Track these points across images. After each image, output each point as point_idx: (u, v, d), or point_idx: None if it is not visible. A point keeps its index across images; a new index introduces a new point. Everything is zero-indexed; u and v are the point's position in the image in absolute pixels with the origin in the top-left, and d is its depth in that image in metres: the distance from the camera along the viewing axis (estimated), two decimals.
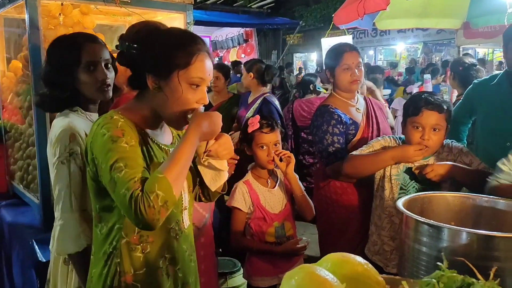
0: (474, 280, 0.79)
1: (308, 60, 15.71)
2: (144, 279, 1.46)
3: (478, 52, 12.30)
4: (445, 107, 2.10)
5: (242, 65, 4.37)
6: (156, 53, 1.39)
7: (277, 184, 2.49)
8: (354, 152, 2.32)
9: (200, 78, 1.40)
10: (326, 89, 5.07)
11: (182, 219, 1.55)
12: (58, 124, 1.81)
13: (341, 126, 2.58)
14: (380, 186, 2.29)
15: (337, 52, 2.68)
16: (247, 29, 10.33)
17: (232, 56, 10.86)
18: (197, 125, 1.37)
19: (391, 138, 2.34)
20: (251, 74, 4.21)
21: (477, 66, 4.00)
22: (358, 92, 2.81)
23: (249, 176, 2.44)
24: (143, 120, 1.46)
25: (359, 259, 0.92)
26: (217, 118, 1.42)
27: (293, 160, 2.43)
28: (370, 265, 0.91)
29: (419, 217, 1.14)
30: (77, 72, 1.81)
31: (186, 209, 1.57)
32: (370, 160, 2.24)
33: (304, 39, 15.22)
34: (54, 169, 1.75)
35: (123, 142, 1.31)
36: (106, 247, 1.45)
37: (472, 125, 2.84)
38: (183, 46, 1.39)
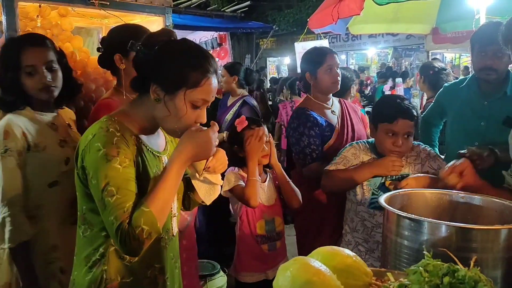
0: (458, 267, 0.84)
1: (281, 64, 15.85)
2: (130, 287, 1.45)
3: (446, 57, 12.69)
4: (415, 114, 2.17)
5: (224, 68, 4.39)
6: (169, 66, 1.37)
7: (267, 180, 2.56)
8: (330, 167, 2.33)
9: (204, 100, 1.40)
10: None
11: (171, 227, 1.57)
12: None
13: (317, 128, 2.65)
14: (352, 190, 2.33)
15: (318, 53, 2.76)
16: (221, 33, 10.34)
17: None
18: (180, 153, 1.38)
19: (360, 143, 2.38)
20: (235, 77, 4.25)
21: (447, 70, 4.16)
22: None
23: (240, 172, 2.50)
24: (139, 126, 1.46)
25: (348, 251, 0.96)
26: (206, 137, 1.40)
27: (274, 150, 2.54)
28: (358, 257, 0.96)
29: (401, 212, 1.19)
30: (20, 76, 1.89)
31: (175, 216, 1.59)
32: (349, 177, 2.25)
33: (277, 43, 15.36)
34: None
35: (117, 162, 1.31)
36: (89, 251, 1.44)
37: (443, 127, 2.95)
38: (197, 66, 1.38)
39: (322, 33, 4.97)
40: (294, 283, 0.80)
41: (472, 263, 0.88)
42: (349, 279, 0.88)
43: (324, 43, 4.70)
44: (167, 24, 2.75)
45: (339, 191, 2.44)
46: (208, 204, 1.65)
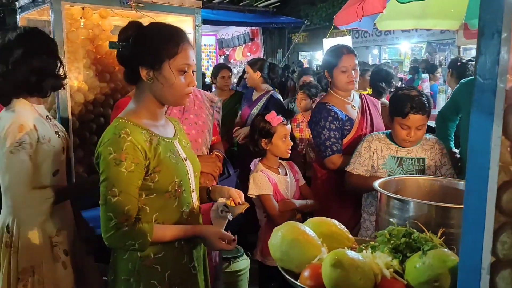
0: (414, 230, 1.01)
1: (313, 58, 15.84)
2: (163, 260, 1.67)
3: None
4: (427, 107, 2.30)
5: (247, 64, 4.58)
6: (147, 47, 1.60)
7: (288, 173, 2.73)
8: (349, 168, 2.53)
9: (186, 64, 1.62)
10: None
11: (192, 201, 1.76)
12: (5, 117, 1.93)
13: (337, 122, 2.79)
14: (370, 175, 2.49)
15: (335, 54, 2.87)
16: (253, 28, 10.50)
17: (238, 54, 11.04)
18: (203, 232, 1.69)
19: (374, 134, 2.56)
20: (258, 73, 4.42)
21: (474, 61, 4.18)
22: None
23: (261, 167, 2.66)
24: (147, 116, 1.66)
25: (334, 221, 1.14)
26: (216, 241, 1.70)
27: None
28: (343, 226, 1.14)
29: (390, 193, 1.36)
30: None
31: (194, 191, 1.78)
32: (363, 184, 2.43)
33: (309, 38, 15.34)
34: (3, 158, 1.89)
35: (124, 167, 1.52)
36: None
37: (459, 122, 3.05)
38: (170, 38, 1.61)
39: (352, 29, 5.05)
40: (283, 240, 0.99)
41: (439, 233, 1.05)
42: (333, 243, 1.07)
43: (347, 40, 4.78)
44: (197, 24, 2.96)
45: (360, 193, 2.63)
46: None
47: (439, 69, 6.78)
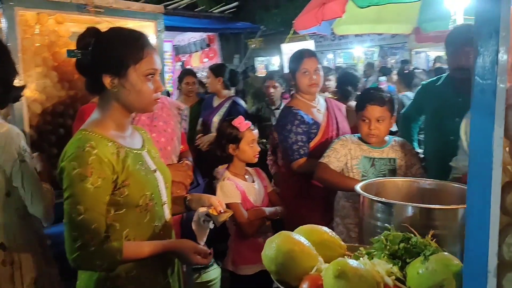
0: (412, 235, 1.00)
1: (270, 63, 15.99)
2: (136, 279, 1.57)
3: (429, 55, 12.93)
4: (386, 99, 2.39)
5: (209, 69, 4.53)
6: (109, 54, 1.51)
7: (255, 179, 2.69)
8: (323, 160, 2.49)
9: (153, 69, 1.55)
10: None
11: (164, 214, 1.68)
12: None
13: (304, 126, 2.80)
14: None
15: (297, 57, 2.91)
16: (210, 33, 10.45)
17: (194, 60, 10.94)
18: (177, 246, 1.61)
19: (347, 136, 2.58)
20: (220, 78, 4.37)
21: (419, 69, 4.43)
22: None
23: (228, 175, 2.60)
24: (113, 127, 1.57)
25: (325, 229, 1.12)
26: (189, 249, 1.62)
27: None
28: (333, 232, 1.12)
29: (374, 196, 1.35)
30: None
31: (165, 204, 1.70)
32: (339, 182, 2.43)
33: (265, 43, 15.47)
34: (19, 170, 1.82)
35: (89, 182, 1.42)
36: None
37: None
38: (133, 43, 1.53)
39: (308, 34, 5.13)
40: (278, 252, 0.95)
41: (429, 235, 1.04)
42: (326, 251, 1.04)
43: (309, 44, 4.85)
44: (159, 29, 2.88)
45: (324, 186, 2.61)
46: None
47: (395, 71, 7.09)
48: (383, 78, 6.38)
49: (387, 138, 2.51)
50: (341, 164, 2.45)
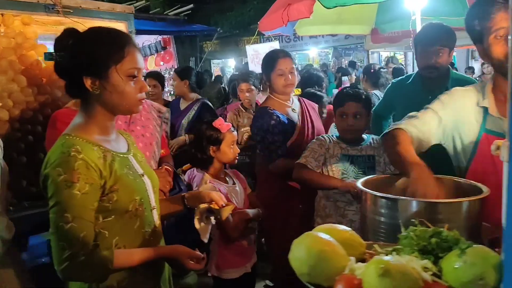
0: (441, 229, 1.02)
1: (226, 66, 15.95)
2: (127, 287, 1.52)
3: (381, 55, 13.36)
4: (363, 96, 2.50)
5: (174, 72, 4.45)
6: (89, 55, 1.45)
7: (235, 181, 2.67)
8: (301, 160, 2.50)
9: (135, 68, 1.49)
10: None
11: (153, 220, 1.63)
12: None
13: (280, 126, 2.81)
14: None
15: (272, 58, 2.91)
16: (165, 36, 10.29)
17: (150, 64, 10.73)
18: (172, 252, 1.58)
19: (325, 136, 2.62)
20: (186, 81, 4.31)
21: (385, 69, 4.59)
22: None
23: (208, 178, 2.56)
24: (98, 132, 1.51)
25: (343, 227, 1.12)
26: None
27: None
28: (353, 231, 1.12)
29: (378, 193, 1.37)
30: None
31: (154, 208, 1.65)
32: (319, 181, 2.44)
33: (220, 45, 15.43)
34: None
35: (76, 189, 1.36)
36: None
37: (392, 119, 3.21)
38: (114, 42, 1.48)
39: (272, 35, 5.15)
40: (309, 253, 0.93)
41: (445, 228, 1.06)
42: (348, 250, 1.04)
43: (275, 45, 4.88)
44: (130, 30, 2.80)
45: (303, 185, 2.62)
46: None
47: (354, 71, 7.30)
48: (345, 78, 6.57)
49: (365, 136, 2.57)
50: (319, 163, 2.48)
